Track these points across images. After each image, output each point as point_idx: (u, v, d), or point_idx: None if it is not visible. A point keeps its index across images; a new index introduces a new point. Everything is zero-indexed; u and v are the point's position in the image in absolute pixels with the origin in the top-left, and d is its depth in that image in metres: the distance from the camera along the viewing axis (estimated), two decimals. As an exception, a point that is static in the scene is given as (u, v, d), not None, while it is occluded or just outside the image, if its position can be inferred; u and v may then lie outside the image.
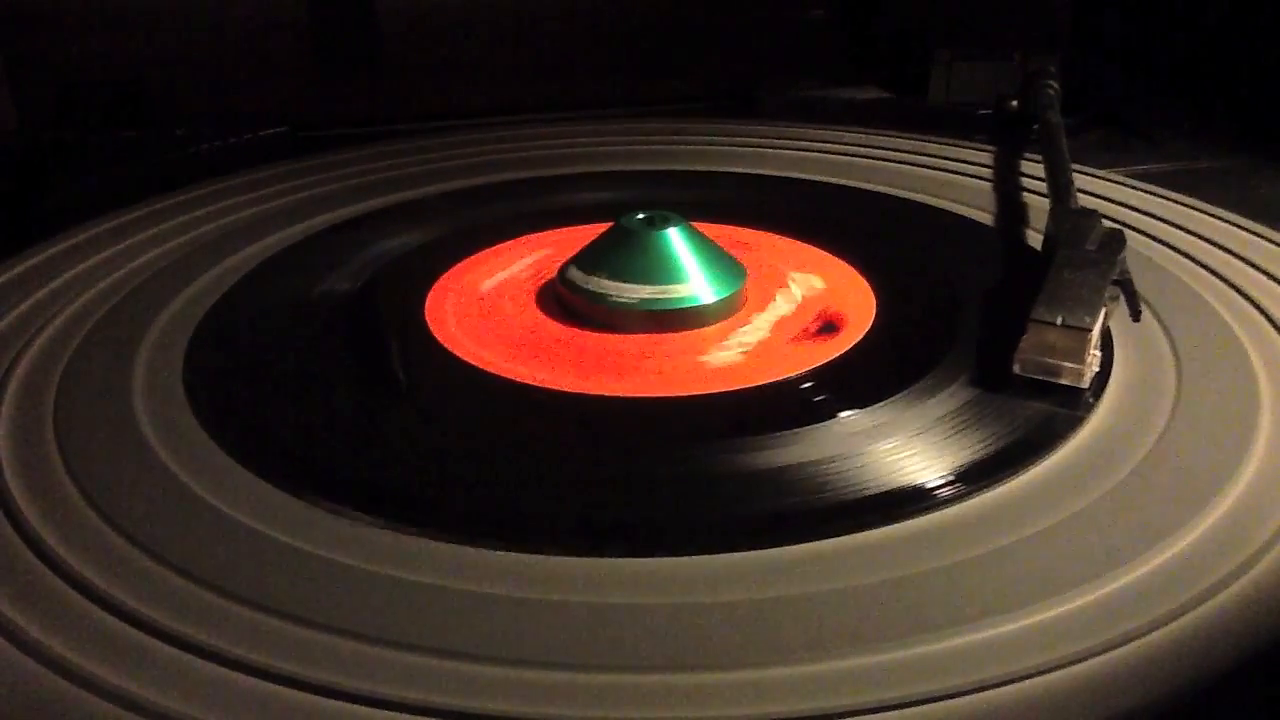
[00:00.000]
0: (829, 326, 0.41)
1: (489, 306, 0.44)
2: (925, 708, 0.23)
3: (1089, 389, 0.36)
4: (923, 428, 0.34)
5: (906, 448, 0.33)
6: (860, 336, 0.41)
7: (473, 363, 0.39)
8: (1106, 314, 0.37)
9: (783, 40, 0.85)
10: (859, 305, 0.43)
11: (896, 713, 0.23)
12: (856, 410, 0.35)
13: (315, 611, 0.26)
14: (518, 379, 0.38)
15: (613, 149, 0.66)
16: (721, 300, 0.42)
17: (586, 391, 0.37)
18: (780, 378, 0.38)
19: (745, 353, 0.40)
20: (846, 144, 0.65)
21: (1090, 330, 0.35)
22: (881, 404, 0.35)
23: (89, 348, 0.40)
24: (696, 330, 0.41)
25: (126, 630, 0.26)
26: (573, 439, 0.36)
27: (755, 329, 0.41)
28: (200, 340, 0.41)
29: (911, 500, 0.31)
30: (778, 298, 0.44)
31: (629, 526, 0.31)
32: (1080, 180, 0.52)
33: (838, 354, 0.39)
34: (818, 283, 0.45)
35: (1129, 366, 0.38)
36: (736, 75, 0.81)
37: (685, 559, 0.29)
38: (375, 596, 0.27)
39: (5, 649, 0.25)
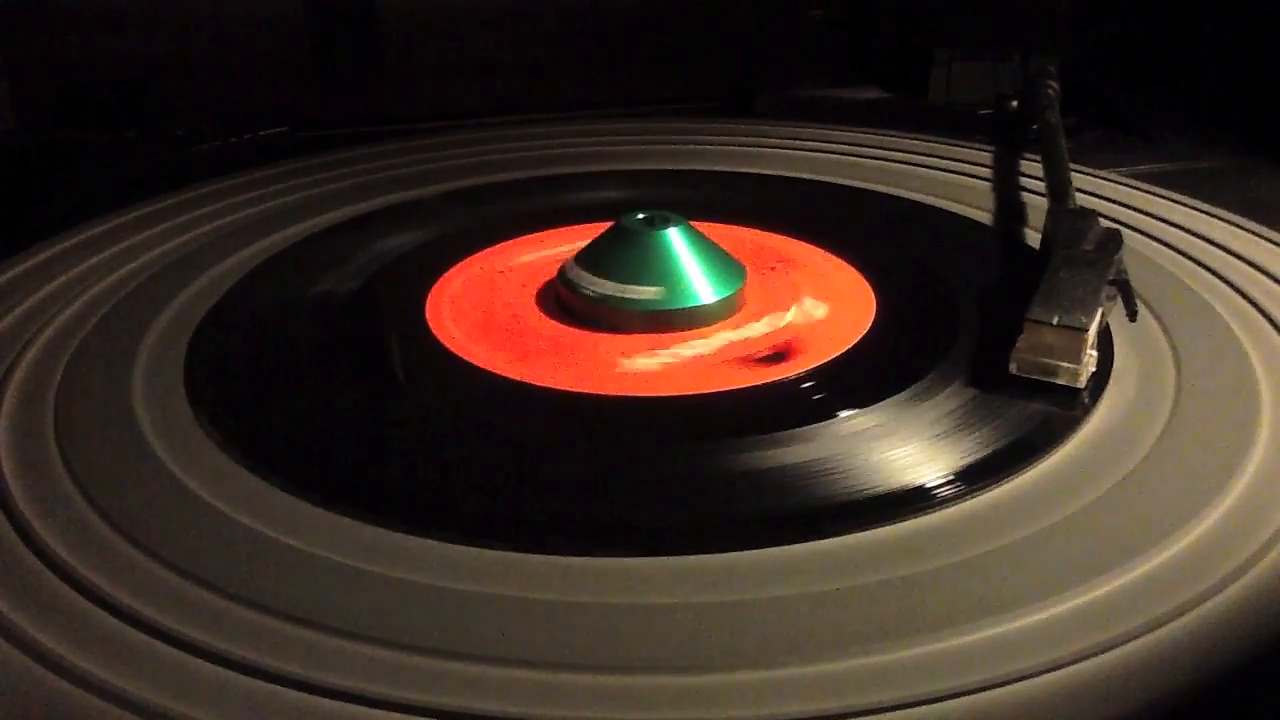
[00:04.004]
0: (777, 356, 0.39)
1: (489, 306, 0.44)
2: (925, 708, 0.23)
3: (1086, 389, 0.36)
4: (921, 427, 0.34)
5: (905, 447, 0.33)
6: (860, 336, 0.41)
7: (472, 362, 0.39)
8: (1104, 314, 0.37)
9: (783, 40, 0.85)
10: (857, 308, 0.43)
11: (896, 713, 0.23)
12: (856, 410, 0.35)
13: (315, 611, 0.26)
14: (518, 378, 0.38)
15: (613, 149, 0.66)
16: (721, 300, 0.42)
17: (586, 391, 0.37)
18: (771, 380, 0.38)
19: (666, 364, 0.39)
20: (846, 144, 0.65)
21: (1086, 330, 0.35)
22: (881, 404, 0.35)
23: (89, 348, 0.40)
24: (697, 329, 0.41)
25: (126, 630, 0.26)
26: (572, 439, 0.36)
27: (704, 344, 0.40)
28: (200, 340, 0.41)
29: (911, 500, 0.31)
30: (766, 318, 0.42)
31: (629, 526, 0.31)
32: (1080, 180, 0.52)
33: (838, 353, 0.39)
34: (819, 311, 0.43)
35: (1128, 366, 0.38)
36: (736, 75, 0.81)
37: (685, 559, 0.29)
38: (375, 596, 0.27)
39: (4, 649, 0.25)
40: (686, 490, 0.32)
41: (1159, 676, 0.24)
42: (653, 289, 0.42)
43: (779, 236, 0.50)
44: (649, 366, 0.39)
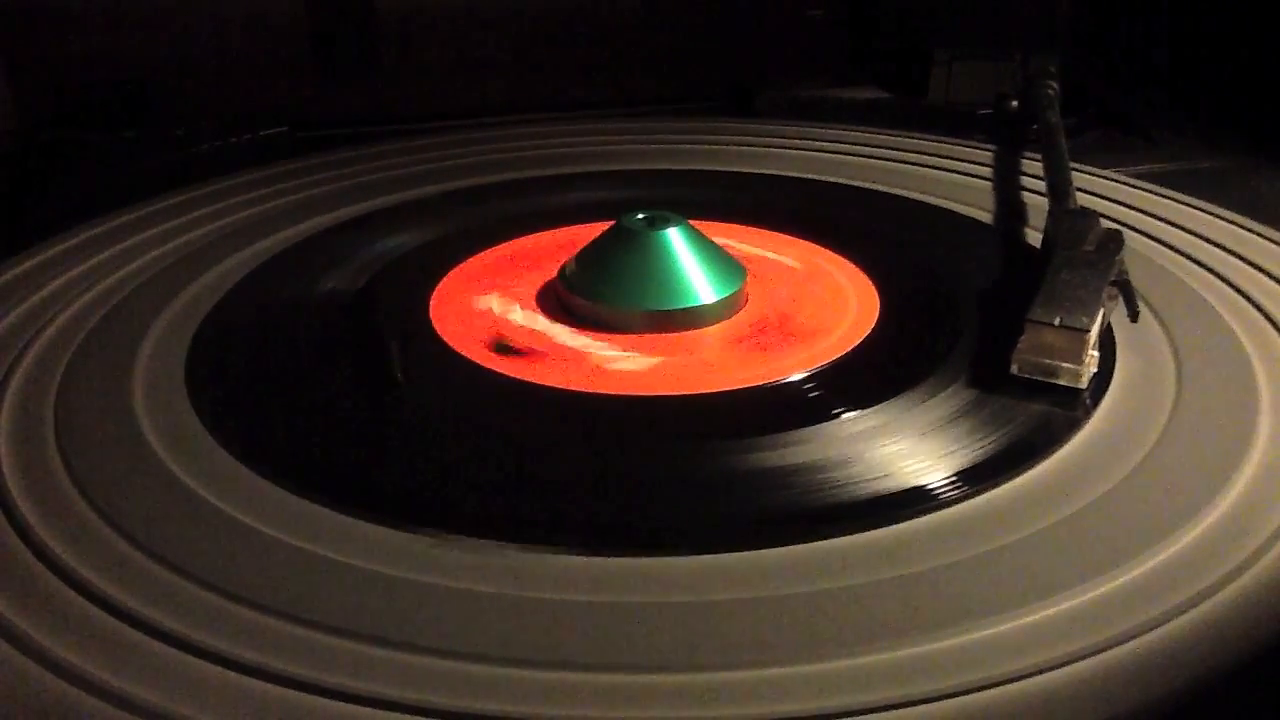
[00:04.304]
0: (508, 349, 0.40)
1: (490, 306, 0.44)
2: (925, 708, 0.23)
3: (1087, 389, 0.36)
4: (922, 428, 0.34)
5: (906, 448, 0.33)
6: (862, 337, 0.41)
7: (473, 361, 0.39)
8: (1105, 314, 0.37)
9: (783, 40, 0.85)
10: (859, 310, 0.43)
11: (896, 712, 0.23)
12: (856, 411, 0.35)
13: (315, 611, 0.26)
14: (518, 378, 0.38)
15: (613, 149, 0.66)
16: (721, 300, 0.42)
17: (586, 391, 0.37)
18: (782, 378, 0.38)
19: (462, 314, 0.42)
20: (846, 144, 0.65)
21: (1088, 331, 0.35)
22: (881, 404, 0.35)
23: (89, 348, 0.40)
24: (697, 330, 0.41)
25: (126, 630, 0.26)
26: (573, 439, 0.36)
27: (498, 305, 0.42)
28: (200, 340, 0.41)
29: (911, 500, 0.31)
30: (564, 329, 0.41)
31: (629, 526, 0.31)
32: (1080, 180, 0.52)
33: (839, 355, 0.39)
34: (633, 364, 0.39)
35: (1129, 367, 0.38)
36: (736, 75, 0.81)
37: (686, 559, 0.29)
38: (375, 596, 0.27)
39: (5, 650, 0.25)
40: (686, 490, 0.32)
41: (1159, 676, 0.24)
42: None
43: (779, 236, 0.50)
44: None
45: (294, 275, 0.47)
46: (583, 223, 0.50)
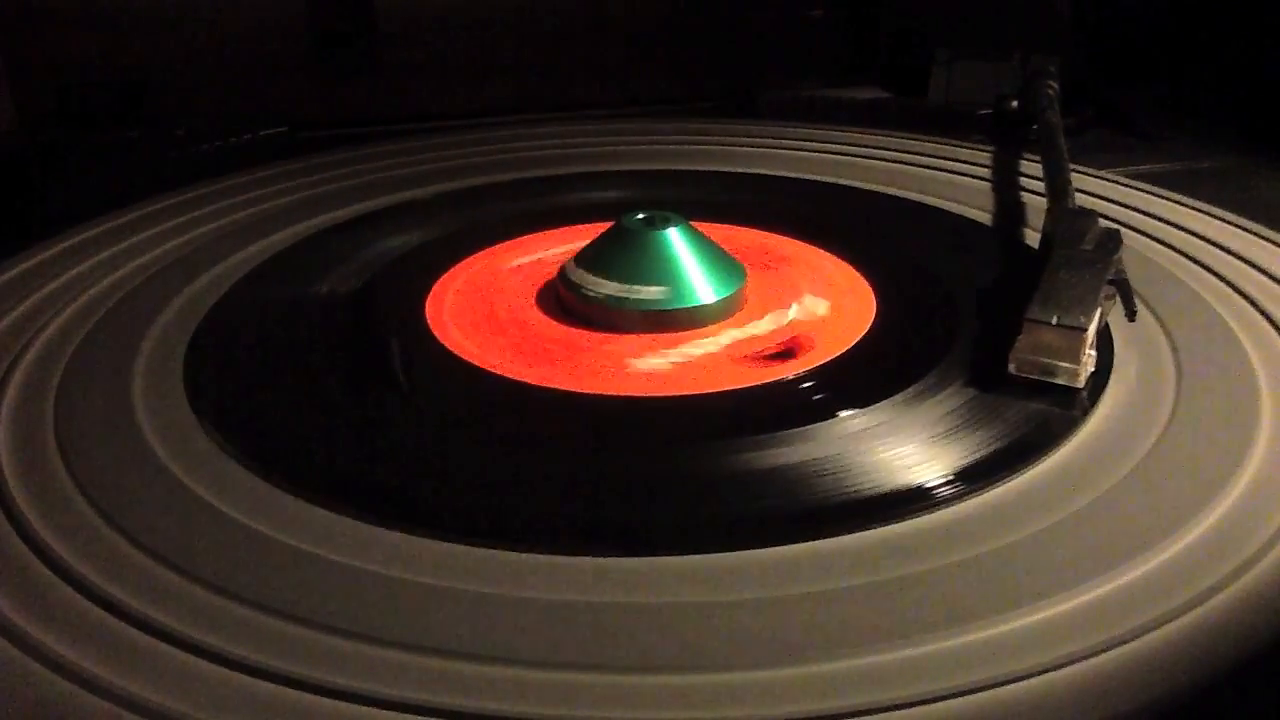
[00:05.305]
0: (786, 353, 0.39)
1: (489, 307, 0.44)
2: (925, 708, 0.23)
3: (1085, 389, 0.36)
4: (920, 427, 0.34)
5: (905, 447, 0.33)
6: (860, 336, 0.41)
7: (472, 362, 0.39)
8: (1103, 314, 0.37)
9: (783, 40, 0.85)
10: (857, 308, 0.43)
11: (896, 713, 0.23)
12: (856, 410, 0.35)
13: (315, 611, 0.26)
14: (517, 379, 0.38)
15: (613, 149, 0.66)
16: (721, 300, 0.42)
17: (586, 391, 0.37)
18: (781, 378, 0.38)
19: (677, 364, 0.39)
20: (846, 144, 0.65)
21: (1085, 330, 0.35)
22: (881, 404, 0.35)
23: (89, 348, 0.40)
24: (697, 330, 0.41)
25: (126, 630, 0.26)
26: (572, 439, 0.36)
27: (711, 343, 0.41)
28: (200, 340, 0.41)
29: (911, 500, 0.31)
30: (767, 317, 0.42)
31: (629, 526, 0.31)
32: (1080, 180, 0.52)
33: (838, 354, 0.39)
34: (820, 308, 0.43)
35: (1128, 366, 0.38)
36: (736, 75, 0.81)
37: (685, 559, 0.29)
38: (375, 596, 0.27)
39: (5, 649, 0.25)
40: (686, 490, 0.32)
41: (1159, 676, 0.24)
42: (655, 289, 0.42)
43: (779, 236, 0.50)
44: (660, 366, 0.39)
45: (294, 275, 0.47)
46: (583, 223, 0.50)
